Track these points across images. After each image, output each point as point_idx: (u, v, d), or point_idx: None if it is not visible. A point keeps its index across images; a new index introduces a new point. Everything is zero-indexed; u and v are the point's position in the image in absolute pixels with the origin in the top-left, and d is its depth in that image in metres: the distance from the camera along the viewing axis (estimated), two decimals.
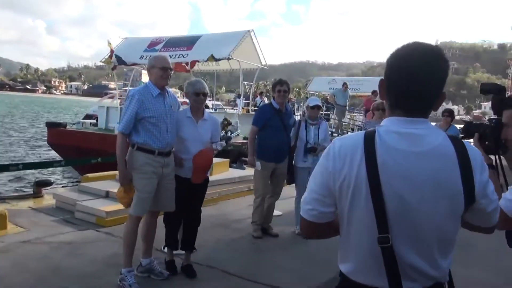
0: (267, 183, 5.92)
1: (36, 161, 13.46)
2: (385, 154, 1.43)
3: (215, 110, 19.22)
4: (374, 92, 16.01)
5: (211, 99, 29.38)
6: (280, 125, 5.80)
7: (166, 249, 4.69)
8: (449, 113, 8.16)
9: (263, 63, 16.83)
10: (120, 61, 16.23)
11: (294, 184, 6.14)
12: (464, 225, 1.55)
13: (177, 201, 4.28)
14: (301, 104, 20.23)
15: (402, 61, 1.47)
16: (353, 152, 1.47)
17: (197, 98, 4.36)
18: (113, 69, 17.11)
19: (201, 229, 4.75)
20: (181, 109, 4.45)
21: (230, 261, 4.91)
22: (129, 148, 4.04)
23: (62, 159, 5.96)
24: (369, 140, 1.46)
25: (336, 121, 18.27)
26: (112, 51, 16.46)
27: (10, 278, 4.14)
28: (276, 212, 6.37)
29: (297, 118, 7.59)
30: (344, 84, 17.54)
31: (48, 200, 7.13)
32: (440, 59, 1.46)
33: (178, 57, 15.33)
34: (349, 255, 1.56)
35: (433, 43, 1.70)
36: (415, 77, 1.43)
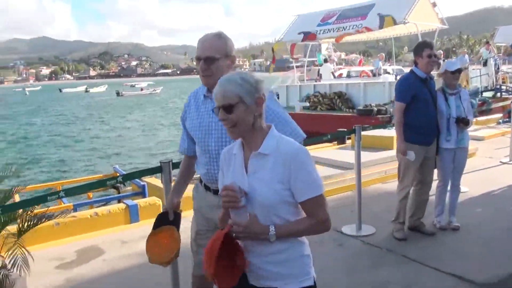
0: (415, 172, 4.76)
1: None
2: None
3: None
4: None
5: (390, 64, 28.36)
6: (429, 98, 4.63)
7: None
8: None
9: (443, 21, 15.75)
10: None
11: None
12: None
13: None
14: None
15: None
16: None
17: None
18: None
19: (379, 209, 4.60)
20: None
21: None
22: None
23: None
24: None
25: None
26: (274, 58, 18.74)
27: None
28: None
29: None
30: None
31: None
32: None
33: (352, 28, 15.29)
34: None
35: None
36: None
